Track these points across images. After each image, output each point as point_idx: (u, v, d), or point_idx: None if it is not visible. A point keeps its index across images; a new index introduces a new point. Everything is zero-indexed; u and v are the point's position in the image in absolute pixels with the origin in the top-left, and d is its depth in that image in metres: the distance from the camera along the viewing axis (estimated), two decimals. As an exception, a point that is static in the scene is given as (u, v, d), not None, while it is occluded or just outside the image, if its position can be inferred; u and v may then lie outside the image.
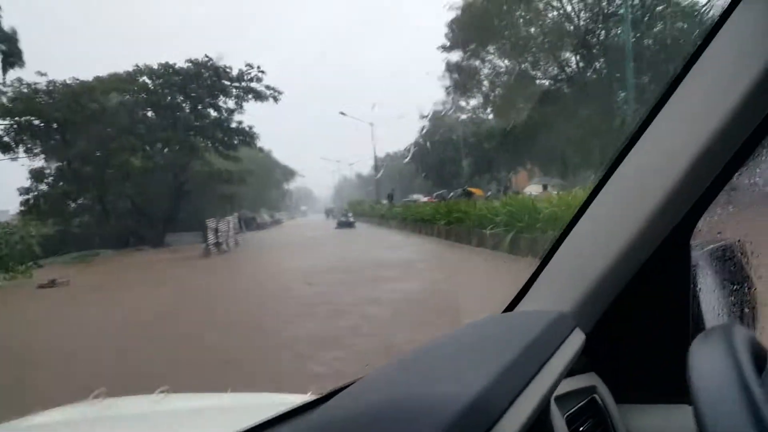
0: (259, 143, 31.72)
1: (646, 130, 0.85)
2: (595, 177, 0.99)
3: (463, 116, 60.75)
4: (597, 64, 30.93)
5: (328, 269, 12.59)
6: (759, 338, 0.63)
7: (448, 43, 35.13)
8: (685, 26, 26.22)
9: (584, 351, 0.82)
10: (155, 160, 27.71)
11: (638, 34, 29.02)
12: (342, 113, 39.08)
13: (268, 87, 29.16)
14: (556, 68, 34.53)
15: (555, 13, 31.39)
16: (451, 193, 30.51)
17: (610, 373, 0.95)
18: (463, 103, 60.39)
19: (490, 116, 47.11)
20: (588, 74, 32.34)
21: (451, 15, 34.09)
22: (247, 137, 30.31)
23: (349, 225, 32.53)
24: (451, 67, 36.23)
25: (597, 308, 0.89)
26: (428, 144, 63.29)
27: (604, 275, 0.85)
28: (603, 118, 30.02)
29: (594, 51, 30.17)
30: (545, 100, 38.44)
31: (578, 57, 32.32)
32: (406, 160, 79.78)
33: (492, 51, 35.41)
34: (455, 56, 35.98)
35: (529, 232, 10.71)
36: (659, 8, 27.21)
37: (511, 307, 0.99)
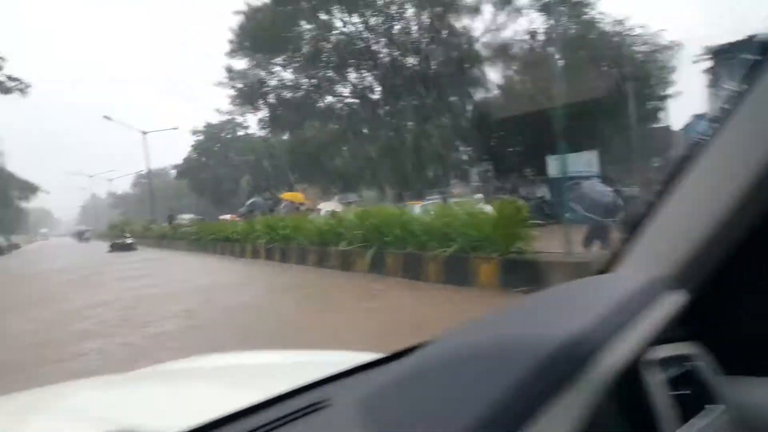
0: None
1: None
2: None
3: (241, 132, 58.45)
4: (383, 85, 31.85)
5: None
6: None
7: (232, 49, 32.74)
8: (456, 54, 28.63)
9: (689, 319, 0.78)
10: None
11: (423, 59, 30.81)
12: (107, 117, 33.37)
13: (11, 77, 23.28)
14: (345, 86, 34.75)
15: (344, 30, 31.50)
16: (255, 209, 28.13)
17: (717, 343, 0.90)
18: (240, 119, 58.18)
19: (269, 132, 45.41)
20: (375, 94, 33.19)
21: (238, 19, 31.89)
22: None
23: (127, 248, 27.42)
24: (234, 75, 33.84)
25: (703, 271, 0.81)
26: (203, 159, 59.16)
27: (712, 234, 0.77)
28: (393, 138, 30.94)
29: (383, 71, 31.03)
30: (332, 118, 38.67)
31: (368, 76, 32.97)
32: (174, 176, 73.81)
33: (279, 62, 34.14)
34: (240, 64, 33.75)
35: (398, 246, 9.62)
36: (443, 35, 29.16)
37: (604, 272, 0.91)
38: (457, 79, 28.50)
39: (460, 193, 26.28)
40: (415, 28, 29.11)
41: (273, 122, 36.59)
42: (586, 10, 26.30)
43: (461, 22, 28.21)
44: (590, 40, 25.45)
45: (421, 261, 8.80)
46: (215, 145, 57.87)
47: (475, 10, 27.75)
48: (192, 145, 59.08)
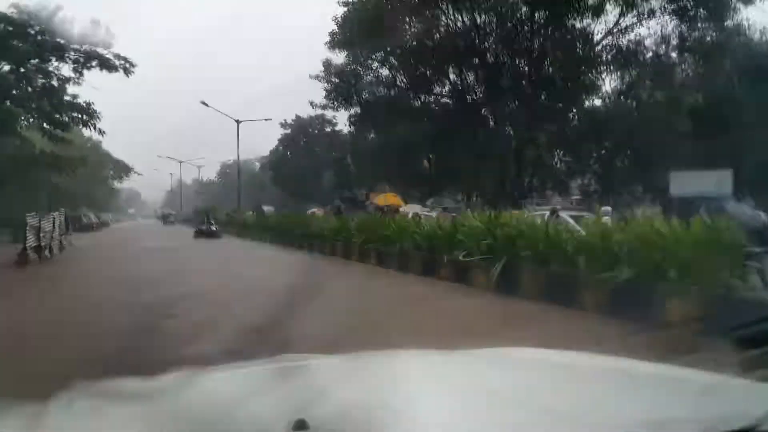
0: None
1: None
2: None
3: (328, 128, 58.27)
4: (486, 86, 29.98)
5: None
6: None
7: (332, 42, 31.94)
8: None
9: None
10: None
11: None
12: (204, 103, 33.60)
13: (118, 56, 23.41)
14: (443, 86, 33.13)
15: (449, 27, 29.94)
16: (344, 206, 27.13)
17: None
18: (329, 115, 58.08)
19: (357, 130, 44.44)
20: (475, 95, 31.35)
21: (342, 11, 31.06)
22: (85, 115, 23.72)
23: (212, 234, 27.22)
24: (331, 69, 33.01)
25: None
26: (288, 153, 59.51)
27: None
28: (491, 142, 28.94)
29: (487, 72, 29.19)
30: (425, 119, 37.23)
31: (470, 76, 31.21)
32: (258, 167, 75.03)
33: (378, 58, 33.05)
34: (339, 58, 32.93)
35: (537, 263, 7.89)
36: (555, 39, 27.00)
37: None
38: (570, 83, 26.28)
39: (564, 206, 24.18)
40: (527, 27, 27.11)
41: (363, 119, 35.53)
42: (727, 15, 23.36)
43: (580, 23, 25.97)
44: (730, 47, 22.55)
45: (574, 284, 7.03)
46: (302, 139, 57.97)
47: (598, 11, 25.41)
48: (279, 138, 59.54)
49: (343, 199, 27.57)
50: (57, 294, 9.58)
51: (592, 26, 26.33)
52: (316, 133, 57.64)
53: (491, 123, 30.90)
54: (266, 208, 50.39)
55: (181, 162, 77.88)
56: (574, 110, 28.56)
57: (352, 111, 35.19)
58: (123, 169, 61.30)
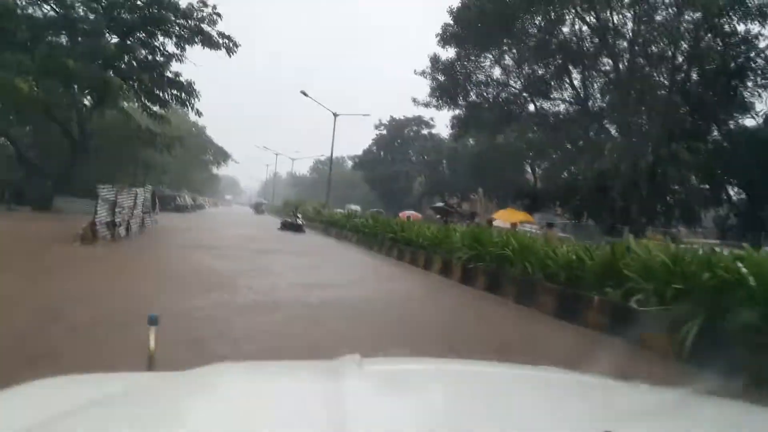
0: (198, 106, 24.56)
1: None
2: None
3: (425, 131, 56.17)
4: (616, 94, 26.44)
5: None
6: None
7: (443, 37, 29.58)
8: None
9: None
10: (51, 93, 19.76)
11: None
12: (303, 93, 32.30)
13: (222, 34, 22.43)
14: (562, 91, 29.85)
15: (578, 27, 26.73)
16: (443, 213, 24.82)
17: None
18: (427, 117, 55.93)
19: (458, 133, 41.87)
20: (601, 103, 27.86)
21: (455, 4, 28.65)
22: (185, 93, 23.01)
23: (296, 228, 25.84)
24: (439, 66, 30.60)
25: None
26: (381, 154, 58.01)
27: None
28: (617, 157, 25.35)
29: (619, 78, 25.69)
30: (537, 126, 34.05)
31: (597, 81, 27.80)
32: (351, 166, 74.25)
33: (491, 56, 30.33)
34: (448, 53, 30.48)
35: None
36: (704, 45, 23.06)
37: None
38: (722, 96, 22.37)
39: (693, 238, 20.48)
40: (670, 30, 23.42)
41: (467, 121, 32.88)
42: None
43: (739, 26, 22.02)
44: None
45: None
46: (396, 140, 56.23)
47: (762, 15, 21.39)
48: (373, 138, 58.21)
49: (440, 208, 25.03)
50: (96, 285, 7.85)
51: (755, 30, 22.27)
52: (412, 135, 55.63)
53: (615, 135, 27.25)
54: (353, 207, 49.12)
55: (277, 154, 79.05)
56: (722, 128, 24.46)
57: (456, 112, 32.57)
58: (222, 155, 62.46)
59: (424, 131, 55.39)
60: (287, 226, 26.27)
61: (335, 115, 34.29)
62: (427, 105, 30.94)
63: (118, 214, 14.48)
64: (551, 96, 29.92)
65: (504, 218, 14.27)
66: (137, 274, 9.33)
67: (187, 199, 45.86)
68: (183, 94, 22.98)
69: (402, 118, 55.74)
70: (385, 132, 57.06)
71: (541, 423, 0.99)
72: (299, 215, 27.36)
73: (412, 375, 1.41)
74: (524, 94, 30.70)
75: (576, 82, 28.97)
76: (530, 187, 39.82)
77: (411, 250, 15.00)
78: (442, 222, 16.36)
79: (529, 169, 41.46)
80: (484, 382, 1.35)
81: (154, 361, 1.78)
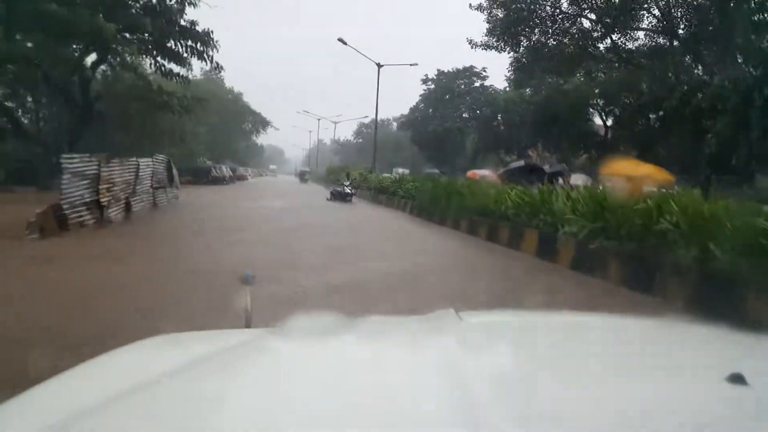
0: (218, 59, 21.15)
1: None
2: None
3: (477, 83, 51.24)
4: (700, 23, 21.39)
5: None
6: None
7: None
8: None
9: None
10: (44, 52, 16.63)
11: None
12: (341, 40, 28.23)
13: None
14: (636, 26, 24.86)
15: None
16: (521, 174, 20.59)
17: None
18: (480, 67, 50.84)
19: (517, 80, 36.97)
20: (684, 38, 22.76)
21: None
22: (201, 43, 19.45)
23: (343, 197, 22.55)
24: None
25: None
26: (430, 111, 53.52)
27: None
28: (701, 97, 20.52)
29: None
30: (605, 67, 29.15)
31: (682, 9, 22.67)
32: (395, 127, 69.95)
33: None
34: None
35: None
36: None
37: None
38: None
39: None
40: None
41: (530, 64, 28.28)
42: None
43: None
44: None
45: None
46: (446, 95, 51.56)
47: None
48: (420, 95, 53.70)
49: (523, 168, 20.41)
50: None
51: None
52: (463, 89, 50.85)
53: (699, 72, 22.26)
54: (401, 171, 45.44)
55: (319, 119, 75.55)
56: None
57: (517, 53, 27.98)
58: (261, 122, 59.54)
59: (476, 84, 50.54)
60: (336, 196, 23.06)
61: (379, 66, 30.32)
62: (485, 46, 26.44)
63: (108, 193, 11.28)
64: (632, 25, 24.90)
65: (622, 172, 10.13)
66: (91, 298, 5.87)
67: (225, 170, 43.09)
68: (198, 45, 19.62)
69: (452, 70, 51.00)
70: (433, 87, 52.48)
71: (650, 371, 0.94)
72: (347, 183, 23.85)
73: (512, 327, 1.35)
74: (598, 27, 25.80)
75: (662, 5, 23.89)
76: (600, 138, 34.97)
77: (489, 222, 11.25)
78: (528, 185, 12.41)
79: (597, 119, 36.36)
80: (589, 332, 1.31)
81: (251, 320, 1.71)
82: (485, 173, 22.97)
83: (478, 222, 11.82)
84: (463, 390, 0.76)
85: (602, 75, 29.98)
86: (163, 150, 30.98)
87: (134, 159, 13.65)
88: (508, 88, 47.76)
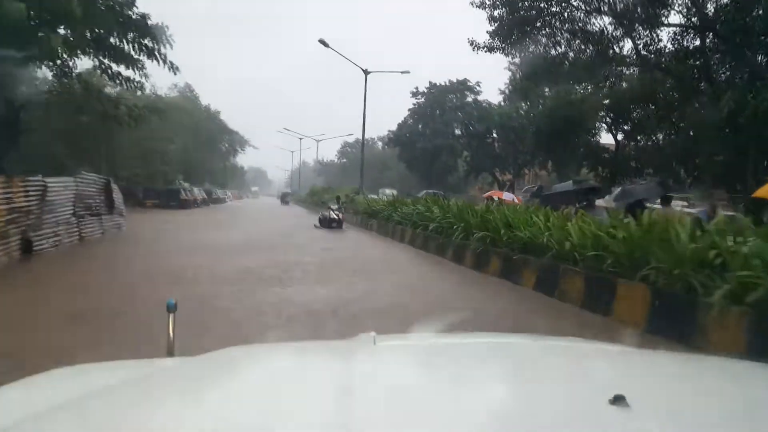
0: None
1: None
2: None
3: (470, 98, 48.09)
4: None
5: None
6: None
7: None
8: None
9: None
10: None
11: None
12: (323, 42, 24.55)
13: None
14: (669, 12, 21.81)
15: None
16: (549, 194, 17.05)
17: None
18: (471, 82, 47.75)
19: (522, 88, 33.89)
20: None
21: None
22: (150, 39, 15.69)
23: (331, 223, 18.78)
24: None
25: None
26: (419, 127, 50.19)
27: None
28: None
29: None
30: (622, 71, 26.07)
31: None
32: (383, 144, 66.49)
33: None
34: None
35: None
36: None
37: None
38: None
39: None
40: None
41: (533, 73, 25.05)
42: None
43: None
44: None
45: None
46: (436, 110, 48.30)
47: None
48: (410, 109, 50.34)
49: (579, 191, 15.12)
50: None
51: None
52: (456, 103, 47.66)
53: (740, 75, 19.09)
54: (388, 192, 42.14)
55: (301, 138, 71.99)
56: None
57: (525, 56, 24.76)
58: (239, 142, 55.81)
59: (469, 98, 47.34)
60: (323, 222, 19.43)
61: (366, 72, 26.83)
62: (488, 48, 23.07)
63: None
64: (657, 21, 21.79)
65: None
66: None
67: (197, 192, 39.20)
68: (147, 41, 15.94)
69: (444, 83, 47.83)
70: (423, 101, 49.21)
71: (557, 390, 0.97)
72: (335, 207, 20.02)
73: (422, 349, 1.38)
74: (616, 25, 22.68)
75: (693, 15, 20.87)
76: (609, 154, 31.80)
77: (540, 264, 7.66)
78: (632, 210, 8.74)
79: (603, 133, 33.17)
80: (498, 352, 1.34)
81: (173, 348, 1.67)
82: (505, 195, 19.39)
83: (520, 263, 8.23)
84: (343, 407, 0.84)
85: (616, 82, 26.85)
86: (123, 170, 27.09)
87: (38, 178, 9.91)
88: (503, 103, 44.84)
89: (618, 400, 0.78)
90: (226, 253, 11.01)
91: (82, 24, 13.99)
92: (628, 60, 23.86)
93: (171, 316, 1.79)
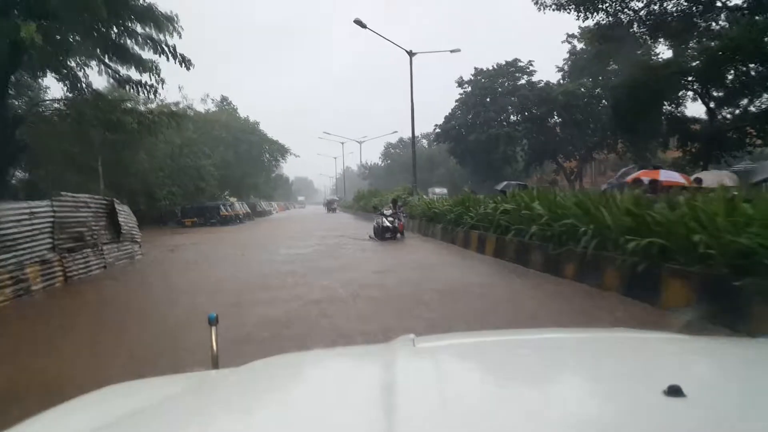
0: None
1: None
2: None
3: (522, 80, 43.87)
4: None
5: None
6: None
7: None
8: None
9: None
10: None
11: None
12: (359, 23, 21.33)
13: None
14: None
15: None
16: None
17: None
18: (522, 62, 43.51)
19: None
20: None
21: None
22: (155, 28, 12.98)
23: (384, 234, 15.64)
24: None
25: None
26: (469, 117, 46.28)
27: None
28: None
29: None
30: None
31: None
32: (432, 138, 62.81)
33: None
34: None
35: None
36: None
37: None
38: None
39: None
40: None
41: (613, 34, 21.07)
42: None
43: None
44: None
45: None
46: (486, 98, 44.34)
47: None
48: (456, 100, 46.46)
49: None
50: None
51: None
52: (508, 87, 43.60)
53: None
54: (438, 191, 38.88)
55: (342, 142, 69.37)
56: None
57: (603, 14, 20.82)
58: (279, 150, 53.41)
59: (522, 80, 43.15)
60: (383, 231, 15.78)
61: (410, 54, 23.44)
62: (558, 6, 19.31)
63: None
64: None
65: None
66: None
67: (238, 206, 36.78)
68: (150, 29, 13.18)
69: (491, 68, 43.90)
70: (470, 89, 45.34)
71: (602, 383, 0.96)
72: (388, 213, 16.44)
73: (463, 348, 1.36)
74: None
75: None
76: (701, 126, 27.14)
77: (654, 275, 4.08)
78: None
79: (687, 104, 28.49)
80: (544, 348, 1.31)
81: (217, 360, 1.68)
82: (673, 175, 14.50)
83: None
84: (393, 413, 0.80)
85: (705, 38, 22.51)
86: (159, 189, 24.64)
87: (13, 204, 7.03)
88: (562, 81, 40.51)
89: (674, 391, 0.76)
90: (260, 284, 7.86)
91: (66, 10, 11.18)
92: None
93: (213, 329, 1.75)
